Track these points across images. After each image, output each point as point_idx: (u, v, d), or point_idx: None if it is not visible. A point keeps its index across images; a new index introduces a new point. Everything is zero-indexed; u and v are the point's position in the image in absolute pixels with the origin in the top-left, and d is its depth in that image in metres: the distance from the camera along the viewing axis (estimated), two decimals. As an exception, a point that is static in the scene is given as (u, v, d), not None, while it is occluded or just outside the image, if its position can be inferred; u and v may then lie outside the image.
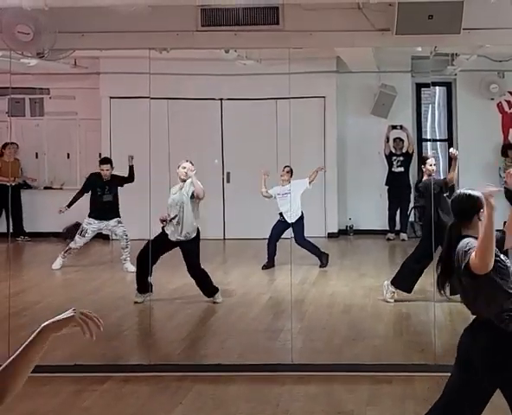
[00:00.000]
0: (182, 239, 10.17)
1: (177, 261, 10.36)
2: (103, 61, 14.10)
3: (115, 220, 12.08)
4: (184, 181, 10.24)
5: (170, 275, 10.86)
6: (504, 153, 15.00)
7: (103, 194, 12.09)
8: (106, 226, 12.19)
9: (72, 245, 12.07)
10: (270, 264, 12.14)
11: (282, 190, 12.37)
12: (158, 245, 9.98)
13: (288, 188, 12.23)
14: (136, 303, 10.16)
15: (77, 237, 12.03)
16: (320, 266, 12.27)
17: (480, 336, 5.01)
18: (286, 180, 12.39)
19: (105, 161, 12.26)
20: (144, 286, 10.06)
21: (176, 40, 8.82)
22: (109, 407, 7.03)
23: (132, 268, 11.65)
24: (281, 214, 12.34)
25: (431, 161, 10.52)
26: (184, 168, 10.22)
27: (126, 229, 11.96)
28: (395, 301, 10.35)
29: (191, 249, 10.20)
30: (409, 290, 10.36)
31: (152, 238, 9.84)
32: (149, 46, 8.92)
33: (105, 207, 12.03)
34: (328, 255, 12.41)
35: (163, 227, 10.18)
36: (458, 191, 5.17)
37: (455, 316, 9.91)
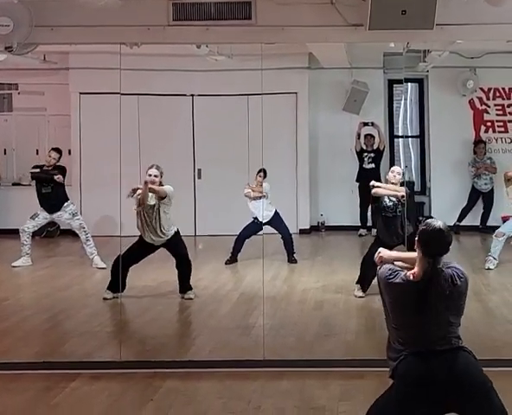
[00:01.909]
0: (163, 240, 10.12)
1: (148, 258, 10.30)
2: (72, 56, 14.00)
3: (65, 212, 11.94)
4: None
5: (141, 272, 10.77)
6: (474, 151, 15.09)
7: (41, 185, 11.95)
8: (58, 217, 12.09)
9: (23, 227, 11.98)
10: (233, 260, 12.16)
11: (255, 193, 12.36)
12: (140, 250, 10.02)
13: (260, 192, 12.28)
14: (105, 299, 10.08)
15: (28, 220, 11.98)
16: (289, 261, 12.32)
17: None
18: (260, 183, 12.38)
19: (54, 149, 12.11)
20: (116, 286, 9.97)
21: (147, 35, 8.73)
22: (79, 404, 6.95)
23: (102, 263, 11.57)
24: (255, 217, 12.34)
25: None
26: (150, 175, 10.18)
27: (84, 222, 11.84)
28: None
29: (176, 242, 10.23)
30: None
31: (132, 244, 9.84)
32: (119, 41, 8.81)
33: (45, 199, 11.93)
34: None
35: (140, 236, 10.10)
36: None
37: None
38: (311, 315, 9.93)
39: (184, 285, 10.34)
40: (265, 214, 12.24)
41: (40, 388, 7.23)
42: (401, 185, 10.80)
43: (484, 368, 7.75)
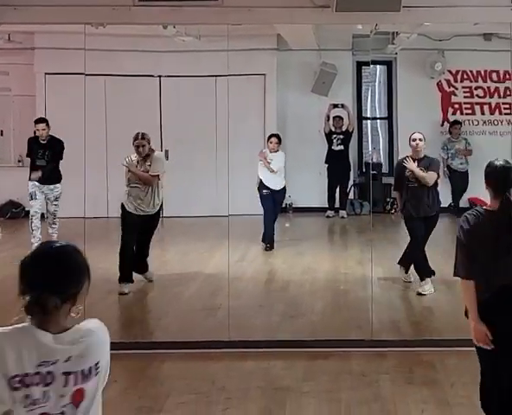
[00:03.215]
0: (151, 211, 10.06)
1: (110, 240, 10.24)
2: (38, 36, 13.86)
3: (55, 188, 11.75)
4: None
5: (104, 254, 10.72)
6: (449, 131, 15.09)
7: (36, 157, 11.71)
8: (51, 191, 11.80)
9: (31, 211, 11.76)
10: (271, 246, 12.16)
11: (270, 156, 12.38)
12: (133, 224, 9.91)
13: (272, 157, 12.37)
14: (121, 294, 9.86)
15: (30, 202, 11.74)
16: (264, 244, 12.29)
17: None
18: (275, 149, 12.42)
19: (40, 120, 11.92)
20: (128, 275, 9.90)
21: (113, 15, 8.64)
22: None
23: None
24: (262, 187, 12.32)
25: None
26: (138, 146, 10.06)
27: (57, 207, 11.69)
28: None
29: (157, 218, 10.23)
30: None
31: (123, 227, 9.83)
32: (84, 21, 8.71)
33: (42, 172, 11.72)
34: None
35: (122, 205, 9.99)
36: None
37: (392, 292, 9.98)
38: (278, 296, 9.95)
39: (142, 266, 10.19)
40: (276, 184, 12.32)
41: None
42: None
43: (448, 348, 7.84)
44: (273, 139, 12.43)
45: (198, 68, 14.04)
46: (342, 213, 14.46)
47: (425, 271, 9.92)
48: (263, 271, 11.14)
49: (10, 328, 3.04)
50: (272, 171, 12.27)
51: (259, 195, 12.36)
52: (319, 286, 10.33)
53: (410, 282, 10.25)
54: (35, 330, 3.04)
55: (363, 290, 9.62)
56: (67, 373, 3.03)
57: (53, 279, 3.07)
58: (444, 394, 6.75)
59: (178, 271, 10.72)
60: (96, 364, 3.11)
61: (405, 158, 10.04)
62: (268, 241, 12.14)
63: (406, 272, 10.34)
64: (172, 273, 10.76)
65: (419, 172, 9.82)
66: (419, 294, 9.79)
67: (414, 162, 9.90)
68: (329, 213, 14.34)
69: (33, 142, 11.78)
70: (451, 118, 15.43)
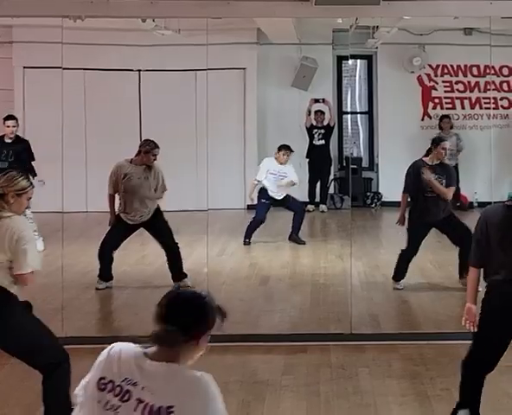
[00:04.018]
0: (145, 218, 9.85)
1: (90, 234, 10.18)
2: (16, 30, 13.77)
3: None
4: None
5: (83, 249, 10.68)
6: (439, 126, 15.01)
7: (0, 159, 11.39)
8: None
9: None
10: (249, 241, 12.17)
11: (280, 169, 12.33)
12: (121, 232, 9.76)
13: (285, 170, 12.31)
14: (97, 289, 9.77)
15: None
16: (289, 238, 12.27)
17: None
18: (285, 161, 12.35)
19: (10, 117, 11.66)
20: (107, 273, 9.81)
21: (90, 8, 8.59)
22: (20, 381, 6.87)
23: (41, 246, 11.33)
24: (263, 195, 12.30)
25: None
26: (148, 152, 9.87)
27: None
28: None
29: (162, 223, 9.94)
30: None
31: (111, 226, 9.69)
32: (61, 14, 8.67)
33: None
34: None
35: (118, 214, 9.84)
36: None
37: (371, 286, 9.98)
38: (257, 290, 9.93)
39: (177, 271, 9.85)
40: (280, 194, 12.33)
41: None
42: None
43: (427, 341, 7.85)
44: (286, 152, 12.39)
45: (178, 62, 13.99)
46: (323, 207, 14.47)
47: (401, 275, 9.81)
48: (242, 266, 11.11)
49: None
50: (293, 184, 12.36)
51: (257, 200, 12.35)
52: (299, 280, 10.32)
53: (402, 289, 9.83)
54: (141, 353, 3.20)
55: (343, 284, 9.61)
56: (139, 400, 3.10)
57: (186, 321, 3.26)
58: (423, 387, 6.77)
59: (158, 265, 10.66)
60: (168, 407, 3.08)
61: (422, 163, 9.70)
62: (247, 237, 12.12)
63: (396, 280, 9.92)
64: (151, 267, 10.72)
65: (439, 187, 9.55)
66: (396, 289, 9.76)
67: (430, 168, 9.60)
68: (310, 207, 14.34)
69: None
70: (432, 113, 15.45)
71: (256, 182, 12.39)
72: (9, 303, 5.50)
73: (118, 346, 3.24)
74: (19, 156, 11.28)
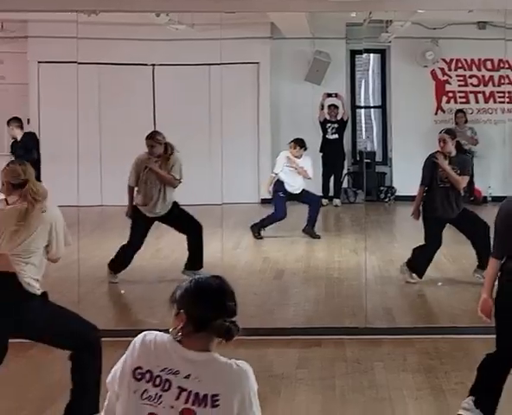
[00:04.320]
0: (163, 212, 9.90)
1: (105, 228, 10.21)
2: (31, 25, 13.84)
3: None
4: None
5: (98, 243, 10.72)
6: (454, 120, 14.95)
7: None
8: None
9: None
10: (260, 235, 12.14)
11: (297, 164, 12.32)
12: (141, 228, 9.79)
13: (302, 164, 12.29)
14: (111, 283, 9.84)
15: None
16: (303, 230, 12.24)
17: None
18: (300, 154, 12.35)
19: (14, 120, 11.71)
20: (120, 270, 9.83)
21: (105, 2, 8.65)
22: (34, 374, 6.92)
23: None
24: (279, 188, 12.26)
25: None
26: (152, 147, 9.89)
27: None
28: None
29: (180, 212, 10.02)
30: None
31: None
32: (76, 8, 8.70)
33: None
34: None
35: (135, 206, 9.87)
36: None
37: (386, 280, 9.99)
38: (272, 284, 9.95)
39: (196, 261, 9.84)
40: (297, 187, 12.28)
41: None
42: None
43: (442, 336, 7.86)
44: (298, 146, 12.37)
45: (191, 57, 13.99)
46: (336, 201, 14.46)
47: (421, 271, 9.73)
48: (257, 259, 11.13)
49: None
50: (309, 178, 12.31)
51: (272, 194, 12.34)
52: (313, 274, 10.34)
53: (415, 283, 9.77)
54: (175, 342, 3.16)
55: (357, 278, 9.62)
56: (180, 388, 3.09)
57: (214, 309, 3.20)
58: (438, 381, 6.78)
59: (173, 258, 10.69)
60: (213, 396, 3.09)
61: (435, 154, 9.66)
62: (258, 231, 12.11)
63: (420, 277, 9.80)
64: (166, 261, 10.74)
65: (452, 174, 9.49)
66: (408, 282, 9.75)
67: (446, 159, 9.57)
68: (324, 201, 14.34)
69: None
70: (445, 107, 15.42)
71: (274, 175, 12.39)
72: (36, 294, 5.60)
73: (151, 334, 3.19)
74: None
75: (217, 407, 3.08)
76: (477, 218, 9.68)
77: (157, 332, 3.21)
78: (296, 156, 12.33)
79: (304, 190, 12.34)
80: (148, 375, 3.11)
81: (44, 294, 5.72)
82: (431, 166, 9.64)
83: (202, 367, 3.13)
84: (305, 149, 12.42)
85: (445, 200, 9.53)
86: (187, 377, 3.11)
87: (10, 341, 7.36)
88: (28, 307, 5.54)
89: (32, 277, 5.56)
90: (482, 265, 8.98)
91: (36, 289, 5.59)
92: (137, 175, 9.82)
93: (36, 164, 11.46)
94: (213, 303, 3.21)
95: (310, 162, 12.43)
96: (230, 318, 3.20)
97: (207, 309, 3.18)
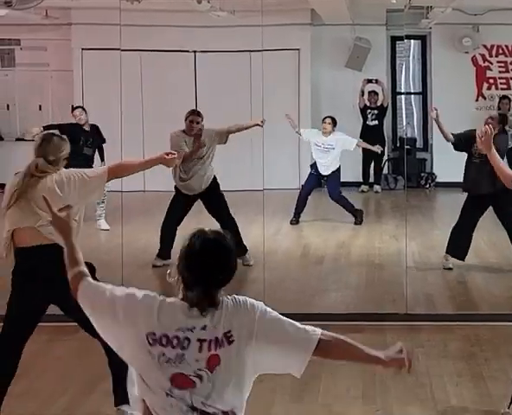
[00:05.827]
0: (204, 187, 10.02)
1: (148, 213, 10.27)
2: (74, 12, 13.97)
3: None
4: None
5: (142, 226, 10.81)
6: (498, 107, 14.85)
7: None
8: None
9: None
10: (296, 220, 12.16)
11: (324, 141, 12.32)
12: (180, 205, 9.91)
13: (331, 141, 12.26)
14: (154, 266, 9.94)
15: None
16: (355, 223, 12.19)
17: None
18: (328, 131, 12.37)
19: (79, 108, 11.77)
20: (167, 253, 9.87)
21: (148, -11, 8.74)
22: (81, 356, 7.05)
23: (106, 226, 11.52)
24: (313, 166, 12.35)
25: None
26: (192, 122, 10.02)
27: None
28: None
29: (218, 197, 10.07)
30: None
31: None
32: (119, -5, 8.82)
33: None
34: (362, 212, 12.40)
35: (176, 187, 9.96)
36: None
37: (426, 267, 10.00)
38: (312, 269, 10.01)
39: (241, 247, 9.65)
40: (326, 166, 12.27)
41: (44, 340, 7.26)
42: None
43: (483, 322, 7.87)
44: (327, 120, 12.40)
45: (232, 43, 14.06)
46: (377, 187, 14.47)
47: (461, 254, 9.68)
48: (298, 245, 11.19)
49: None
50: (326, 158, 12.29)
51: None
52: (354, 260, 10.38)
53: (451, 269, 9.77)
54: (184, 304, 3.25)
55: (398, 265, 9.65)
56: (201, 341, 3.19)
57: (221, 276, 3.33)
58: (478, 368, 6.80)
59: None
60: (226, 333, 3.22)
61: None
62: (295, 216, 12.16)
63: (461, 259, 9.74)
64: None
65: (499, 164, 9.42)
66: (447, 269, 9.75)
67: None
68: (364, 187, 14.38)
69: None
70: (486, 94, 15.34)
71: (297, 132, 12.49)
72: None
73: (157, 299, 3.29)
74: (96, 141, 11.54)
75: (233, 343, 3.21)
76: None
77: (167, 298, 3.28)
78: (325, 133, 12.32)
79: (332, 174, 12.31)
80: (164, 339, 3.18)
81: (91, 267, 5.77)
82: (467, 139, 9.58)
83: (212, 317, 3.22)
84: (335, 125, 12.39)
85: (479, 174, 9.35)
86: (203, 328, 3.20)
87: (58, 324, 7.56)
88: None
89: None
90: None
91: None
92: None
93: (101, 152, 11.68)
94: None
95: (344, 135, 12.45)
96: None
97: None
